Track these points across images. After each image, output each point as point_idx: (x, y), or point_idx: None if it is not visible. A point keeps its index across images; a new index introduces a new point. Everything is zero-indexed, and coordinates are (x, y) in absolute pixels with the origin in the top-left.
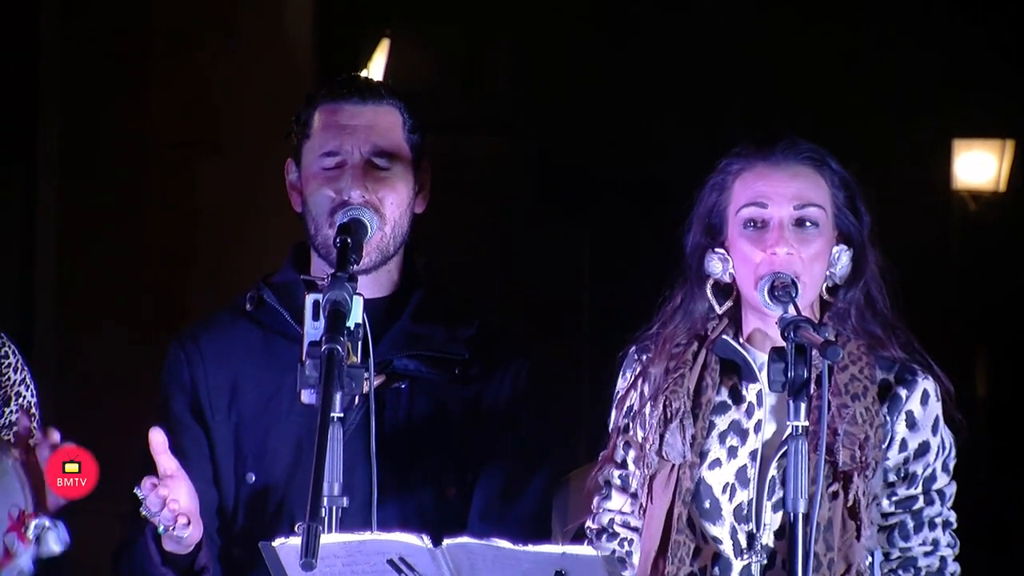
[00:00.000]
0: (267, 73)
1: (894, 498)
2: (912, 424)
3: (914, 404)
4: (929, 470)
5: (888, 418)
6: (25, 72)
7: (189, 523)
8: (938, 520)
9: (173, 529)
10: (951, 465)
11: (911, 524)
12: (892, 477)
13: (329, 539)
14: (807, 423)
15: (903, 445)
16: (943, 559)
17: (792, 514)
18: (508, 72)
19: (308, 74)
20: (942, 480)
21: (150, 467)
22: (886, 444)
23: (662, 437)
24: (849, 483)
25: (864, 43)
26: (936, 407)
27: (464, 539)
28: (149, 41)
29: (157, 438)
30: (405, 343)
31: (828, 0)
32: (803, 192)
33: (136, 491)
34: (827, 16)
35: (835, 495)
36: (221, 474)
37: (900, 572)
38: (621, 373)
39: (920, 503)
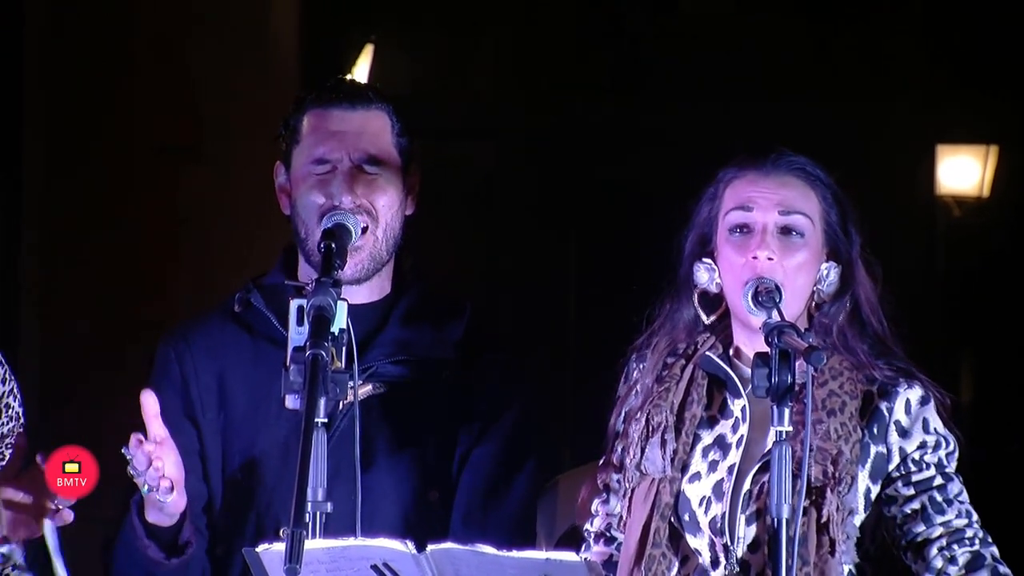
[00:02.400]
0: (252, 79)
1: (912, 480)
2: (903, 433)
3: (899, 414)
4: (936, 458)
5: (866, 432)
6: (10, 77)
7: (173, 488)
8: (963, 497)
9: (157, 491)
10: (953, 464)
11: (939, 499)
12: (900, 471)
13: (313, 545)
14: (791, 428)
15: (901, 452)
16: (985, 531)
17: (776, 519)
18: (493, 76)
19: (293, 80)
20: (951, 468)
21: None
22: (872, 461)
23: (643, 451)
24: (822, 499)
25: (847, 49)
26: (923, 411)
27: (448, 544)
28: (134, 46)
29: (148, 401)
30: (393, 349)
31: (810, 6)
32: (790, 200)
33: (124, 451)
34: (809, 21)
35: (807, 510)
36: (209, 472)
37: (955, 547)
38: (624, 377)
39: (939, 480)
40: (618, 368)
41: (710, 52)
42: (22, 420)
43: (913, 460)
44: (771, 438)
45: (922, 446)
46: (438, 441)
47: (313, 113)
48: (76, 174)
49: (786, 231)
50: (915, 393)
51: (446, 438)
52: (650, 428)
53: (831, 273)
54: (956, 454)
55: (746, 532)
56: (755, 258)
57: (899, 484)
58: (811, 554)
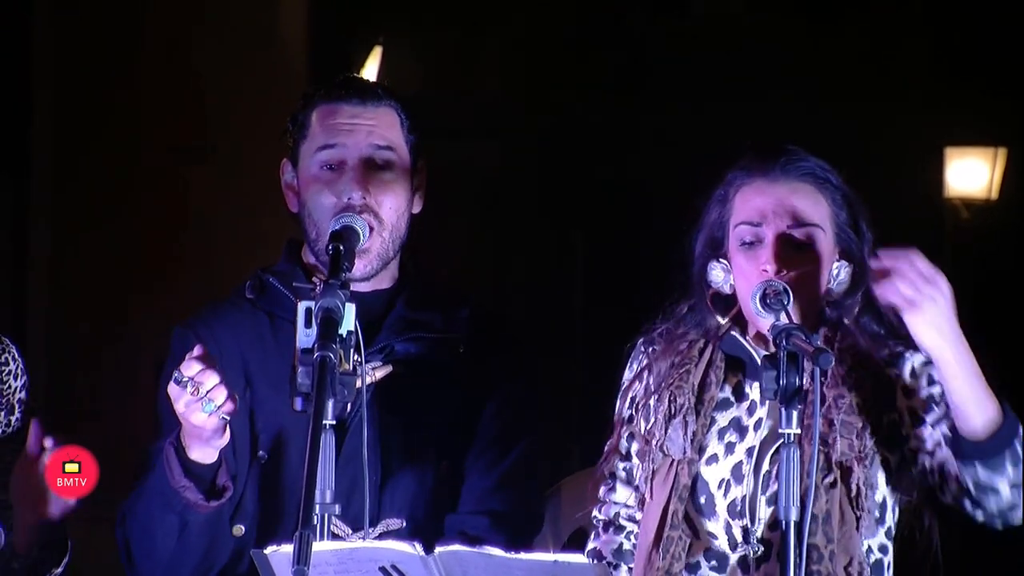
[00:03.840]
0: (260, 80)
1: (928, 422)
2: (909, 393)
3: (906, 379)
4: (945, 408)
5: (879, 403)
6: (18, 79)
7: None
8: None
9: (219, 409)
10: None
11: None
12: (914, 423)
13: (321, 547)
14: (799, 431)
15: (910, 410)
16: None
17: (784, 521)
18: (498, 76)
19: (301, 81)
20: None
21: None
22: (885, 430)
23: (666, 432)
24: (848, 474)
25: (854, 51)
26: (926, 369)
27: (456, 546)
28: (142, 47)
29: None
30: (405, 327)
31: (818, 9)
32: (799, 210)
33: (175, 375)
34: (813, 22)
35: (832, 485)
36: (237, 449)
37: None
38: (628, 365)
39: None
40: (624, 353)
41: (714, 52)
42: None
43: (923, 409)
44: (781, 440)
45: (929, 398)
46: (450, 415)
47: (322, 109)
48: (86, 173)
49: (796, 242)
50: (919, 357)
51: (457, 414)
52: (673, 409)
53: (842, 272)
54: None
55: (766, 513)
56: (765, 271)
57: (917, 432)
58: (835, 530)
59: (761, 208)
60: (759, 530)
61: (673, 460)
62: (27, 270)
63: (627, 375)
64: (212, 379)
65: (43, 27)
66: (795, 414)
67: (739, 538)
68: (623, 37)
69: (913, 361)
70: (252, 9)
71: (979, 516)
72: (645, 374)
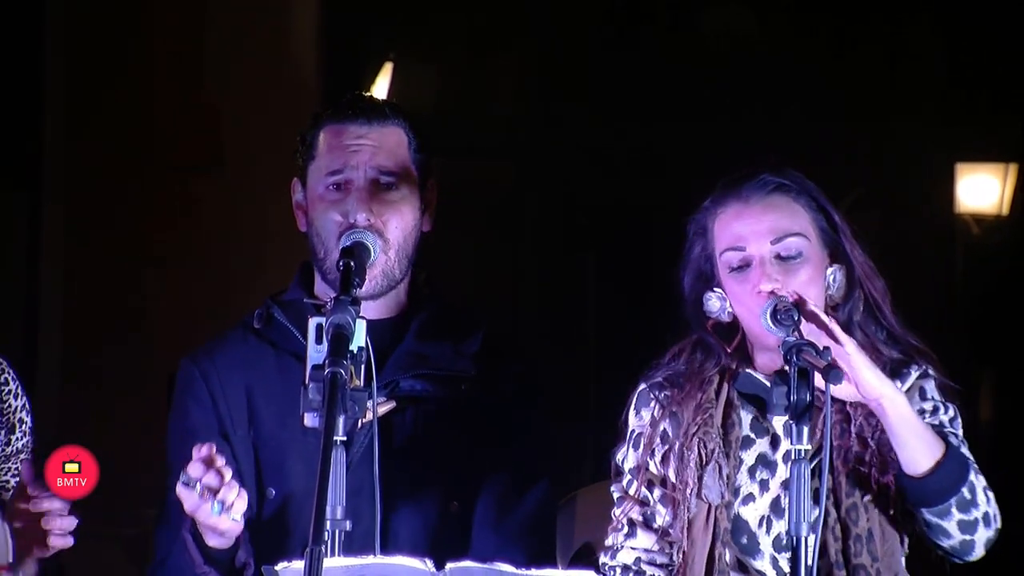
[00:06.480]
0: (272, 97)
1: None
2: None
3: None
4: (936, 420)
5: None
6: (30, 96)
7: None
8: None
9: (229, 509)
10: (959, 429)
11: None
12: None
13: (332, 563)
14: (809, 447)
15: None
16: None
17: (795, 537)
18: (512, 95)
19: (313, 98)
20: (958, 432)
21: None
22: None
23: (700, 479)
24: (887, 490)
25: (865, 69)
26: (920, 382)
27: (467, 563)
28: (154, 64)
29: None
30: (411, 363)
31: (827, 25)
32: (778, 224)
33: (182, 480)
34: (827, 39)
35: (873, 503)
36: (244, 487)
37: None
38: (634, 410)
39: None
40: (632, 396)
41: (729, 71)
42: (28, 439)
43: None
44: (792, 456)
45: (920, 413)
46: (458, 454)
47: (329, 129)
48: (98, 191)
49: (783, 256)
50: (915, 372)
51: (466, 450)
52: (704, 455)
53: (837, 276)
54: (960, 420)
55: (812, 540)
56: (759, 292)
57: None
58: (879, 548)
59: (741, 232)
60: (808, 558)
61: (711, 505)
62: (39, 288)
63: (635, 421)
64: (219, 480)
65: (55, 43)
66: (805, 430)
67: (787, 570)
68: (637, 57)
69: (921, 384)
70: (263, 24)
71: (939, 550)
72: (662, 423)
